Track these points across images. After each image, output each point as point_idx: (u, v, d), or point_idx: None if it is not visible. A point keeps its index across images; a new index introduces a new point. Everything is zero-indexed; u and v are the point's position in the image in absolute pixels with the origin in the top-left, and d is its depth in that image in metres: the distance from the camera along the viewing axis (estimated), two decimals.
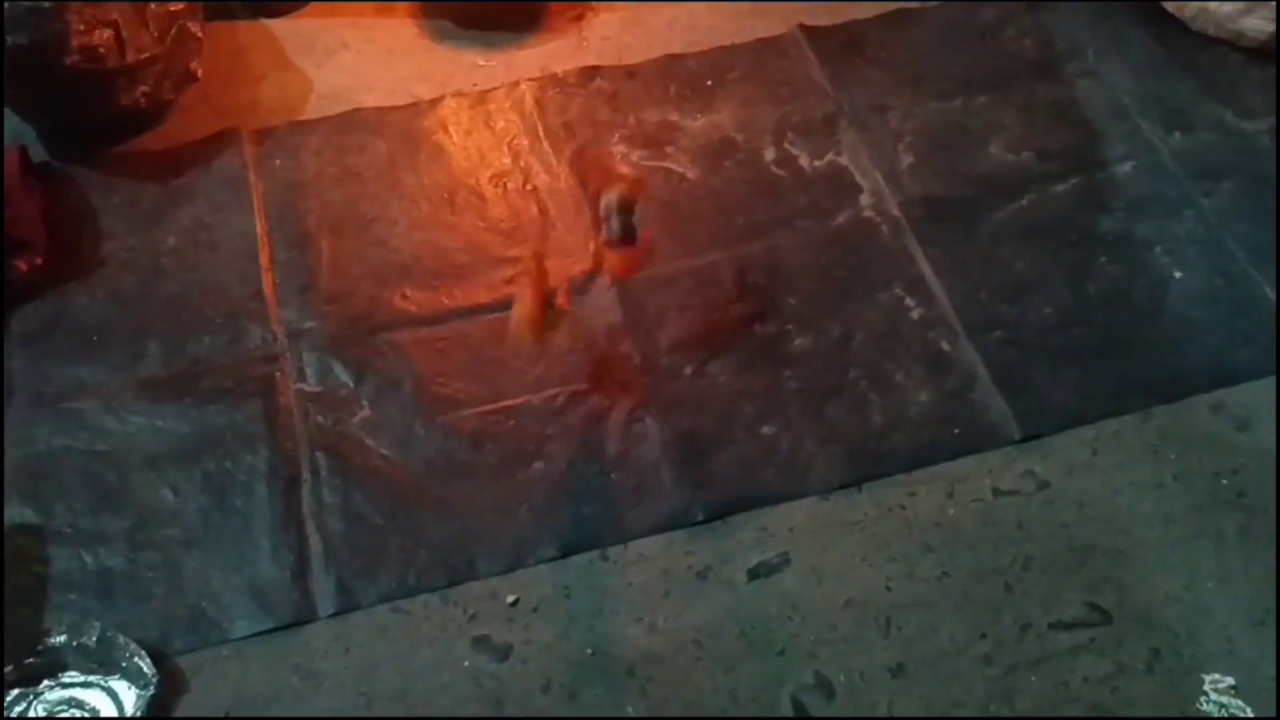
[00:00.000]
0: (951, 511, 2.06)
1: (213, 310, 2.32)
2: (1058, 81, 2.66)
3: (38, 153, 2.52)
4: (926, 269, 2.36)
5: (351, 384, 2.22)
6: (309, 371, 2.24)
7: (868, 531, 2.04)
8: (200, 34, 2.63)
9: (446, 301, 2.33)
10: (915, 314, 2.30)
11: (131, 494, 2.09)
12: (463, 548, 2.02)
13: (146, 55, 2.50)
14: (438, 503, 2.07)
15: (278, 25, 2.81)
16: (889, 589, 1.97)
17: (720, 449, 2.13)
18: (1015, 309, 2.30)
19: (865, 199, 2.47)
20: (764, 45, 2.74)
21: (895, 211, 2.45)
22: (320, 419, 2.18)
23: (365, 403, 2.20)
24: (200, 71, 2.63)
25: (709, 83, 2.67)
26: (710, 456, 2.12)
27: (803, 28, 2.76)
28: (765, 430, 2.16)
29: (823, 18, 2.79)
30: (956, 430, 2.15)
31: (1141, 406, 2.16)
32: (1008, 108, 2.61)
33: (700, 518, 2.05)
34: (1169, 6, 2.73)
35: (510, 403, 2.19)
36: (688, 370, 2.23)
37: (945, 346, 2.26)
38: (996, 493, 2.08)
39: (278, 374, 2.23)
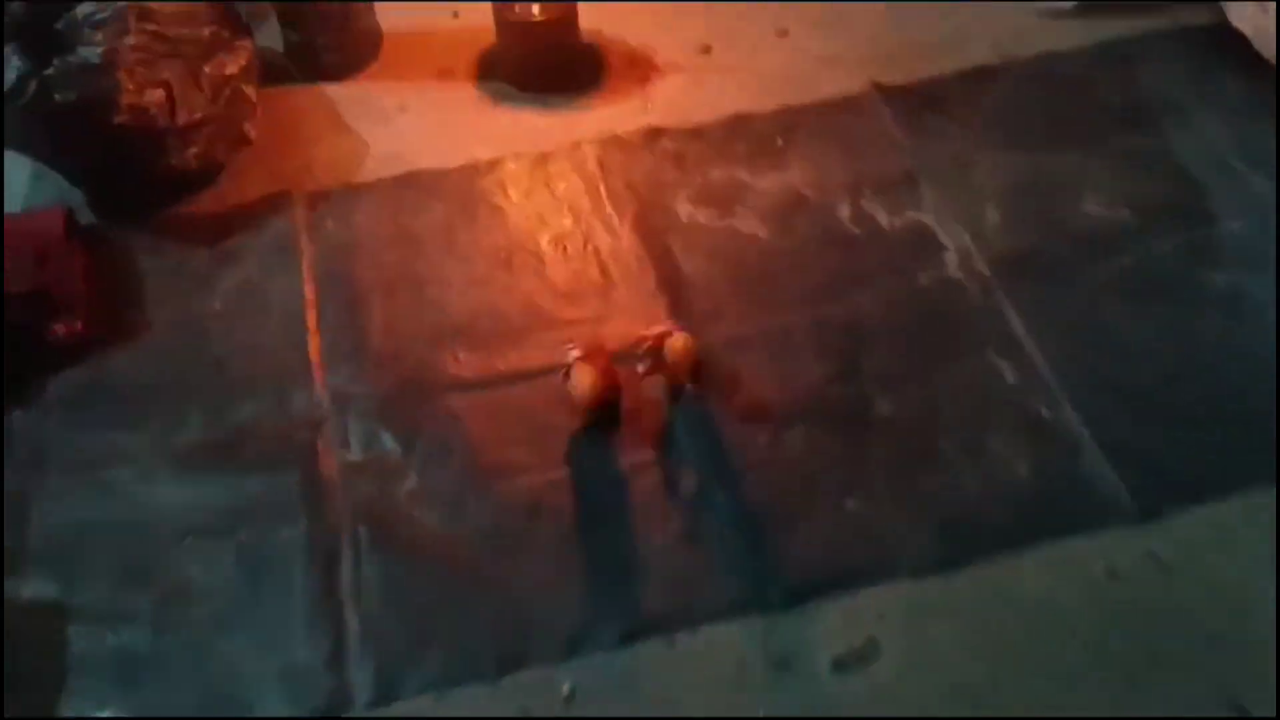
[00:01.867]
0: (1061, 596, 1.83)
1: (257, 374, 2.19)
2: (1150, 133, 2.50)
3: (85, 215, 2.46)
4: (1020, 329, 2.17)
5: (399, 451, 2.07)
6: (354, 438, 2.09)
7: (967, 618, 1.82)
8: (254, 97, 2.58)
9: (501, 365, 2.18)
10: (1010, 378, 2.11)
11: (160, 569, 1.94)
12: (515, 631, 1.83)
13: (199, 116, 2.44)
14: (488, 581, 1.89)
15: (334, 90, 2.76)
16: (993, 684, 1.74)
17: (800, 524, 1.94)
18: (1122, 372, 2.10)
19: (950, 257, 2.30)
20: (835, 104, 2.62)
21: (984, 270, 2.27)
22: (364, 489, 2.02)
23: (413, 471, 2.04)
24: (253, 134, 2.57)
25: (779, 141, 2.55)
26: (789, 533, 1.93)
27: (877, 86, 2.63)
28: (849, 504, 1.96)
29: (896, 76, 2.66)
30: (1063, 505, 1.93)
31: (1272, 478, 1.93)
32: (1099, 161, 2.44)
33: (778, 601, 1.84)
34: (1261, 52, 2.56)
35: (567, 470, 2.02)
36: (762, 438, 2.05)
37: (1045, 413, 2.05)
38: (1112, 575, 1.85)
39: (320, 441, 2.09)
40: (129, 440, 2.11)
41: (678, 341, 2.04)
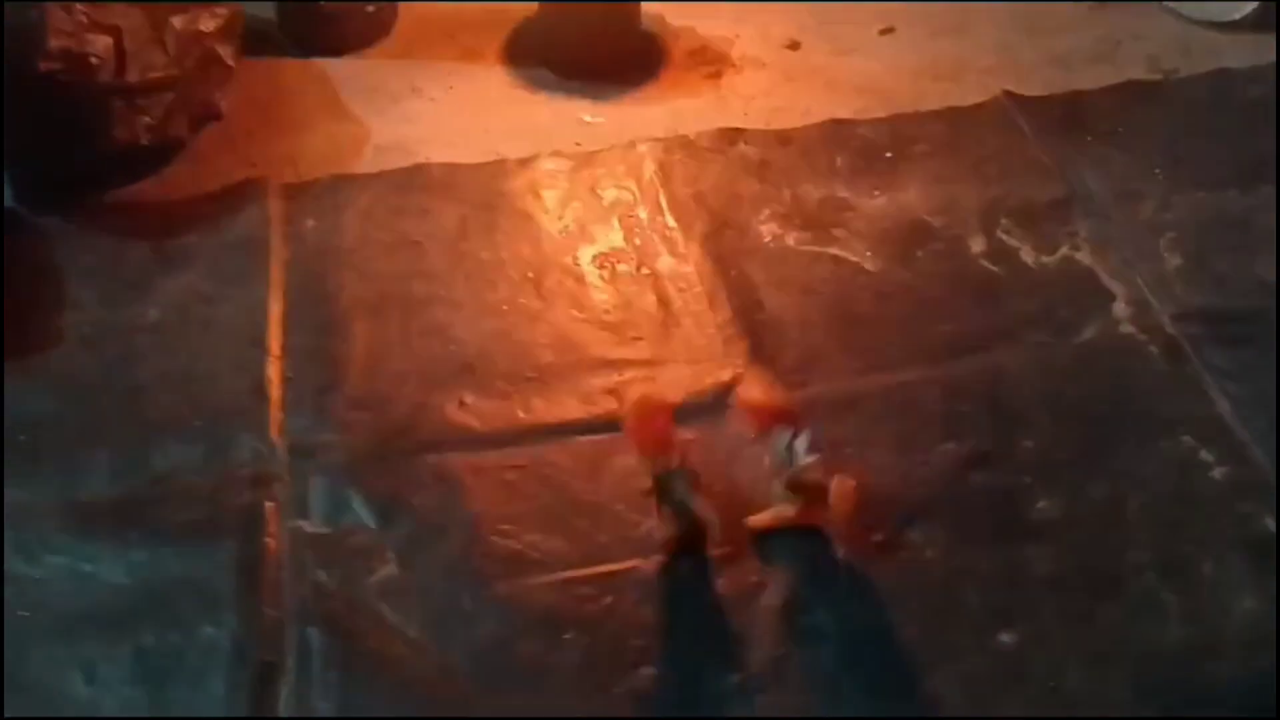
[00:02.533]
0: None
1: (192, 410, 1.65)
2: None
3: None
4: (1226, 408, 1.61)
5: (374, 525, 1.51)
6: (315, 504, 1.54)
7: None
8: (232, 63, 2.07)
9: (523, 415, 1.63)
10: (1217, 474, 1.55)
11: (26, 676, 1.37)
12: None
13: (157, 77, 1.93)
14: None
15: (333, 66, 2.25)
16: None
17: (935, 664, 1.36)
18: None
19: (1121, 309, 1.75)
20: (959, 114, 2.10)
21: (1167, 328, 1.72)
22: (323, 576, 1.46)
23: (391, 555, 1.48)
24: (225, 107, 2.06)
25: (888, 154, 2.02)
26: (920, 674, 1.35)
27: (1010, 96, 2.11)
28: (1004, 639, 1.38)
29: (1033, 86, 2.14)
30: None
31: None
32: None
33: None
34: None
35: (607, 568, 1.47)
36: (877, 535, 1.48)
37: (1272, 526, 1.48)
38: None
39: (269, 504, 1.53)
40: (12, 494, 1.55)
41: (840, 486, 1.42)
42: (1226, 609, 1.41)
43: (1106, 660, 1.37)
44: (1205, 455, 1.56)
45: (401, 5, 2.35)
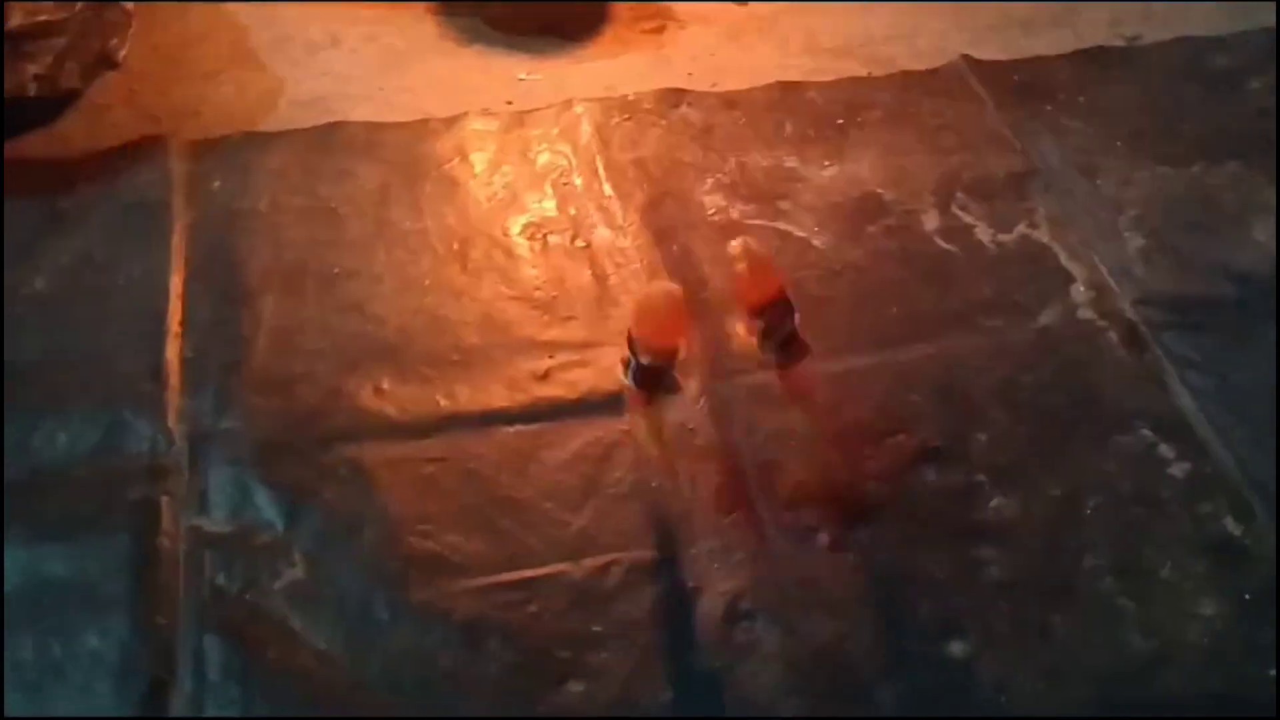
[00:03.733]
0: None
1: (80, 391, 1.50)
2: None
3: None
4: (1188, 402, 1.54)
5: (281, 524, 1.38)
6: (215, 498, 1.41)
7: None
8: (130, 7, 1.89)
9: (445, 403, 1.51)
10: (1177, 471, 1.47)
11: None
12: None
13: (43, 20, 1.74)
14: None
15: (245, 10, 2.07)
16: None
17: (882, 680, 1.28)
18: None
19: (1080, 292, 1.67)
20: (913, 79, 1.99)
21: (1127, 313, 1.64)
22: (223, 579, 1.33)
23: (299, 556, 1.36)
24: (124, 57, 1.88)
25: (839, 121, 1.90)
26: (866, 692, 1.27)
27: (968, 60, 2.00)
28: (954, 649, 1.31)
29: (991, 50, 2.03)
30: (1272, 672, 1.29)
31: None
32: (1268, 181, 1.83)
33: None
34: None
35: (534, 572, 1.36)
36: (823, 537, 1.39)
37: (1233, 528, 1.42)
38: None
39: (164, 498, 1.40)
40: None
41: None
42: (1186, 616, 1.34)
43: (1061, 673, 1.29)
44: (1165, 451, 1.49)
45: None
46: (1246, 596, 1.36)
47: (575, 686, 1.26)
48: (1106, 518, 1.42)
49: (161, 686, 1.25)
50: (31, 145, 1.80)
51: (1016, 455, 1.48)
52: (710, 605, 1.33)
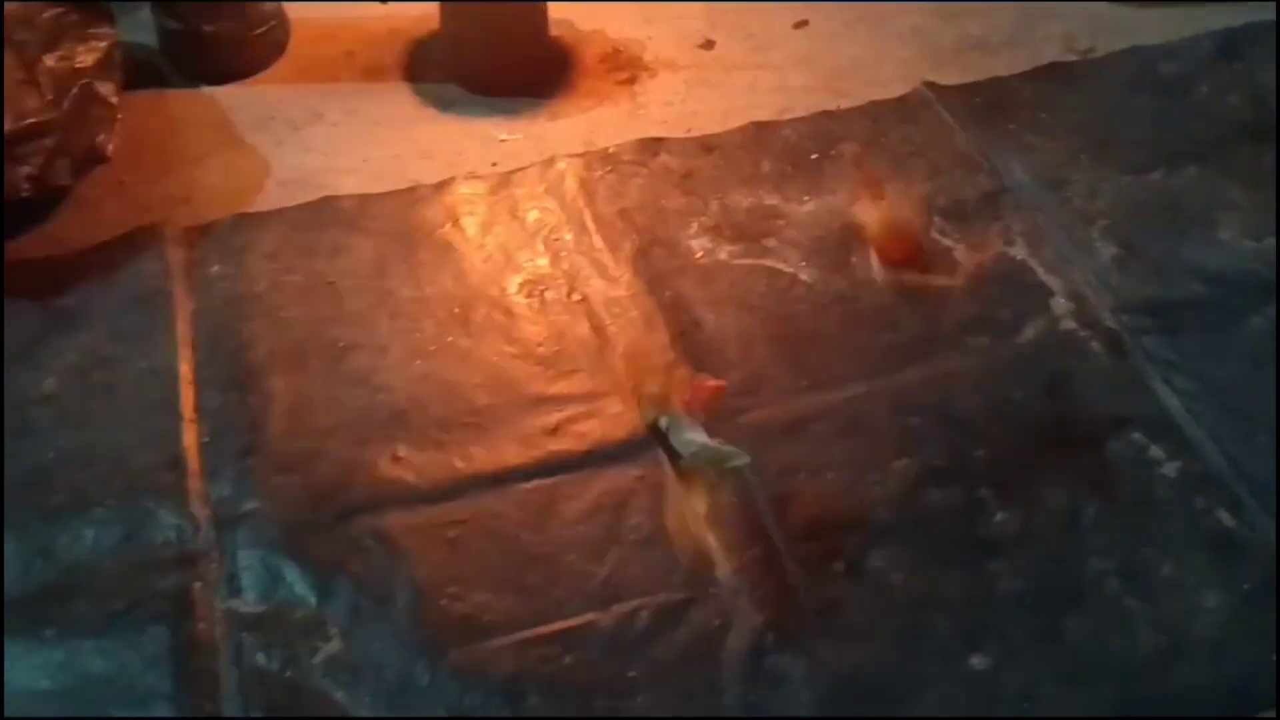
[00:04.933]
0: None
1: (101, 488, 1.52)
2: None
3: None
4: (1174, 403, 1.60)
5: (314, 599, 1.41)
6: (247, 580, 1.43)
7: None
8: (114, 100, 1.93)
9: (461, 465, 1.54)
10: (1169, 470, 1.53)
11: None
12: None
13: (33, 123, 1.78)
14: None
15: (224, 94, 2.10)
16: None
17: (909, 698, 1.33)
18: None
19: (1060, 305, 1.73)
20: (881, 109, 2.04)
21: (1107, 321, 1.70)
22: (262, 659, 1.36)
23: (334, 630, 1.39)
24: (112, 150, 1.91)
25: (814, 156, 1.96)
26: (894, 711, 1.32)
27: (931, 86, 2.07)
28: (975, 662, 1.35)
29: (952, 74, 2.11)
30: (1275, 657, 1.35)
31: None
32: (1229, 180, 1.90)
33: None
34: None
35: (565, 624, 1.39)
36: (839, 565, 1.44)
37: (1228, 519, 1.48)
38: None
39: (197, 584, 1.43)
40: None
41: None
42: (1191, 609, 1.40)
43: (1078, 675, 1.34)
44: (1156, 452, 1.55)
45: (294, 21, 2.20)
46: (1246, 586, 1.42)
47: None
48: (1106, 522, 1.48)
49: None
50: (28, 246, 1.81)
51: (1015, 468, 1.53)
52: (737, 641, 1.37)
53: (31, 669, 1.35)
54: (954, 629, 1.38)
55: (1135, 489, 1.51)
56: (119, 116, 1.94)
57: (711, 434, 1.53)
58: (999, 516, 1.49)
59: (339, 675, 1.35)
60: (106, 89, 1.91)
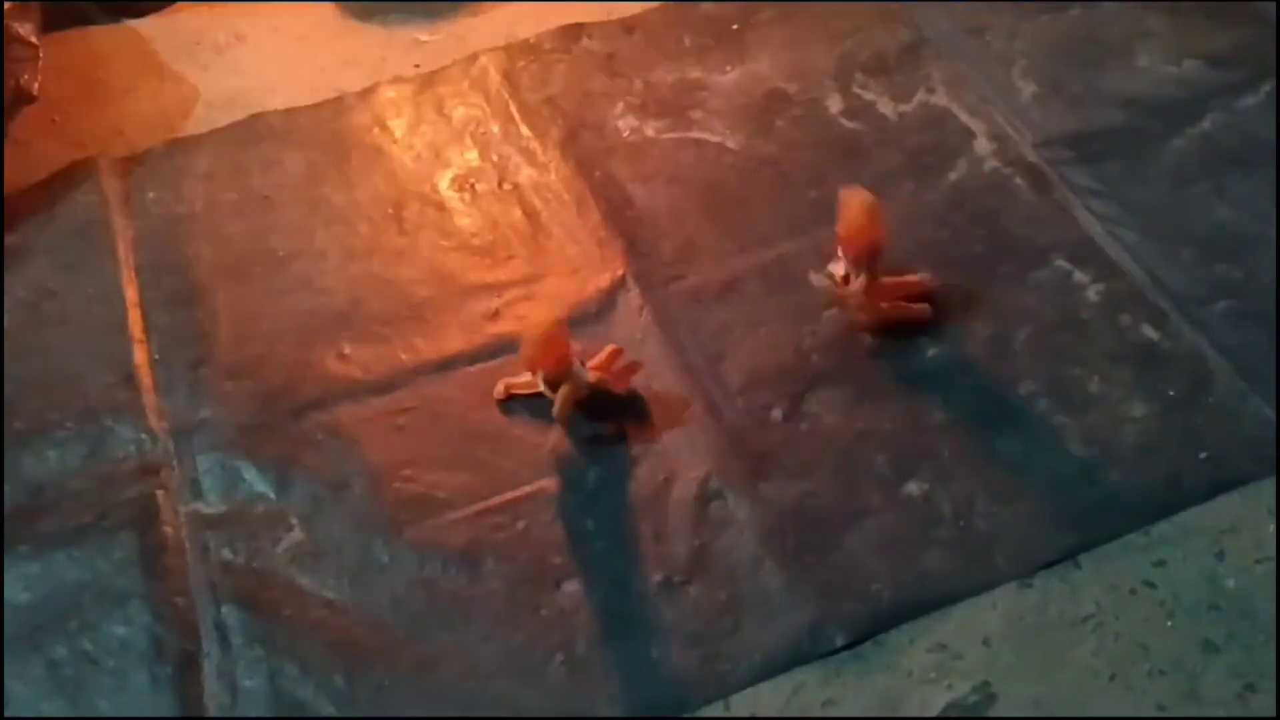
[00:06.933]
0: (1230, 582, 1.30)
1: (61, 411, 1.56)
2: None
3: None
4: (1096, 228, 1.63)
5: (273, 494, 1.46)
6: (207, 483, 1.48)
7: (1106, 630, 1.28)
8: (35, 40, 1.92)
9: (405, 357, 1.58)
10: (1093, 292, 1.57)
11: None
12: None
13: None
14: (419, 665, 1.31)
15: (146, 25, 2.10)
16: None
17: (849, 527, 1.38)
18: (1238, 268, 1.57)
19: (983, 145, 1.75)
20: None
21: (1030, 157, 1.72)
22: (228, 553, 1.42)
23: (295, 520, 1.44)
24: (39, 89, 1.91)
25: (734, 26, 1.97)
26: (836, 541, 1.37)
27: None
28: (911, 489, 1.41)
29: None
30: (1204, 455, 1.40)
31: None
32: (1146, 9, 1.91)
33: (839, 642, 1.28)
34: None
35: (516, 493, 1.44)
36: (776, 413, 1.48)
37: (1151, 333, 1.52)
38: None
39: (160, 492, 1.47)
40: None
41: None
42: (1119, 420, 1.45)
43: (1015, 494, 1.39)
44: (1080, 276, 1.58)
45: None
46: (1171, 393, 1.46)
47: (571, 586, 1.35)
48: (1035, 346, 1.52)
49: (191, 659, 1.33)
50: None
51: (946, 305, 1.57)
52: (683, 490, 1.42)
53: (10, 584, 1.41)
54: (889, 460, 1.43)
55: (1062, 313, 1.55)
56: (41, 56, 1.94)
57: (649, 305, 1.57)
58: (931, 352, 1.53)
59: (303, 561, 1.40)
60: (26, 29, 1.91)
